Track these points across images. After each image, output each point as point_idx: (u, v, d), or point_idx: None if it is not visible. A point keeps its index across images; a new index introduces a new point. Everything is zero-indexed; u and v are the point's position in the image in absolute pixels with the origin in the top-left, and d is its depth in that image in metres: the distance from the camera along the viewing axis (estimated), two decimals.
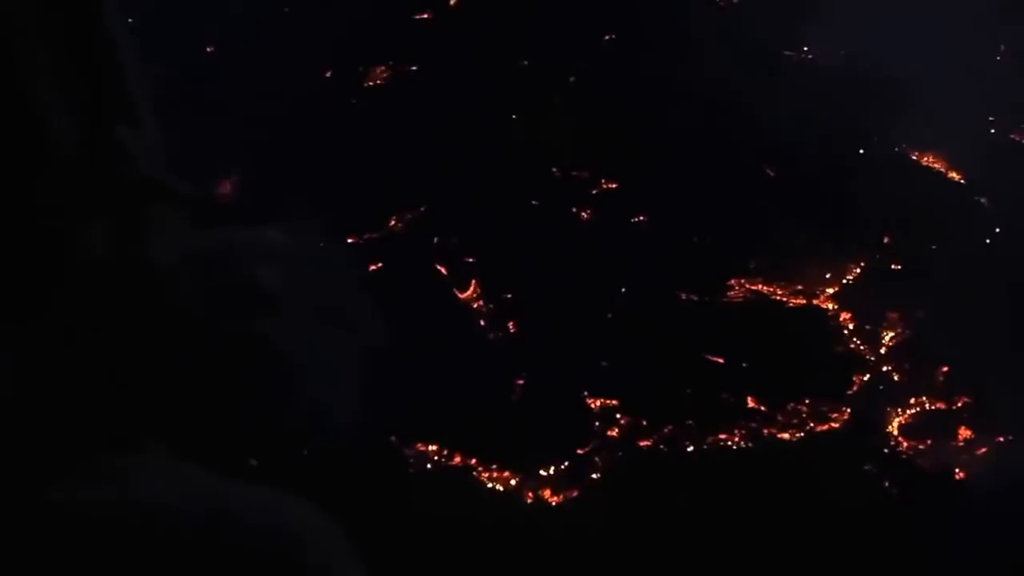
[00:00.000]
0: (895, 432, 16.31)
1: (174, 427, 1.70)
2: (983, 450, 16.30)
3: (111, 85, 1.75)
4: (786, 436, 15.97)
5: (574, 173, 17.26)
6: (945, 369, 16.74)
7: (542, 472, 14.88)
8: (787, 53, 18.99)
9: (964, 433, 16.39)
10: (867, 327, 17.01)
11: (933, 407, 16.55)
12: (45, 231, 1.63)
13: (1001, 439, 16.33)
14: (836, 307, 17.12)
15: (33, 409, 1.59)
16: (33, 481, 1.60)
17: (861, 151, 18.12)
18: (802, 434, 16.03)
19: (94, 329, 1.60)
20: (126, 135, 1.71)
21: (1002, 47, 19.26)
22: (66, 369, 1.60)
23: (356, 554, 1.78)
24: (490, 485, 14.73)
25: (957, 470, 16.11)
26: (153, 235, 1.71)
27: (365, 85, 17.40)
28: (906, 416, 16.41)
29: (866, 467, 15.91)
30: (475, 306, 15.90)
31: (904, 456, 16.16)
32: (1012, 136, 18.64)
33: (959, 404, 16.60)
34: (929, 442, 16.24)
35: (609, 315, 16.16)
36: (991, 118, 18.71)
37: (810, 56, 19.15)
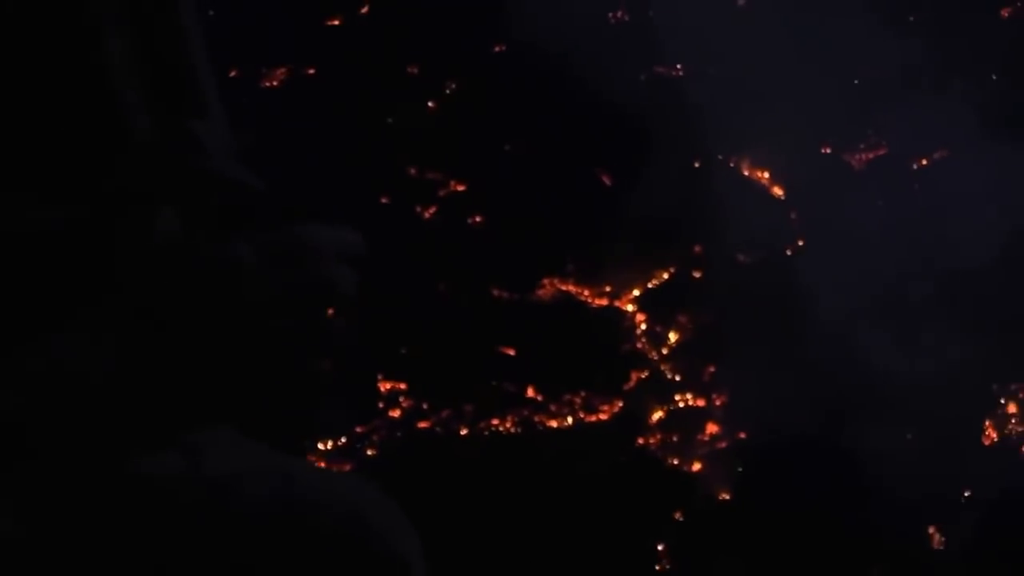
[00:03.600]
0: (653, 425, 19.38)
1: (242, 410, 1.82)
2: (723, 444, 19.28)
3: (184, 77, 1.85)
4: (555, 424, 19.19)
5: (428, 174, 20.37)
6: (712, 369, 19.60)
7: (319, 446, 18.48)
8: (659, 70, 21.44)
9: (712, 428, 19.35)
10: (657, 329, 19.90)
11: (693, 404, 19.50)
12: (120, 213, 1.73)
13: (743, 435, 19.26)
14: (635, 309, 20.02)
15: (112, 384, 1.70)
16: (114, 454, 1.71)
17: (697, 164, 20.64)
18: (570, 423, 19.24)
19: (167, 312, 1.71)
20: (198, 127, 1.80)
21: (856, 81, 21.24)
22: (139, 348, 1.69)
23: (412, 528, 1.92)
24: None
25: (696, 463, 19.18)
26: (225, 226, 1.78)
27: (262, 85, 20.72)
28: (666, 411, 19.42)
29: (619, 456, 19.09)
30: None
31: (653, 447, 19.26)
32: (843, 156, 20.87)
33: (717, 402, 19.51)
34: (676, 437, 19.27)
35: (422, 307, 19.42)
36: (826, 138, 20.93)
37: (682, 73, 21.52)
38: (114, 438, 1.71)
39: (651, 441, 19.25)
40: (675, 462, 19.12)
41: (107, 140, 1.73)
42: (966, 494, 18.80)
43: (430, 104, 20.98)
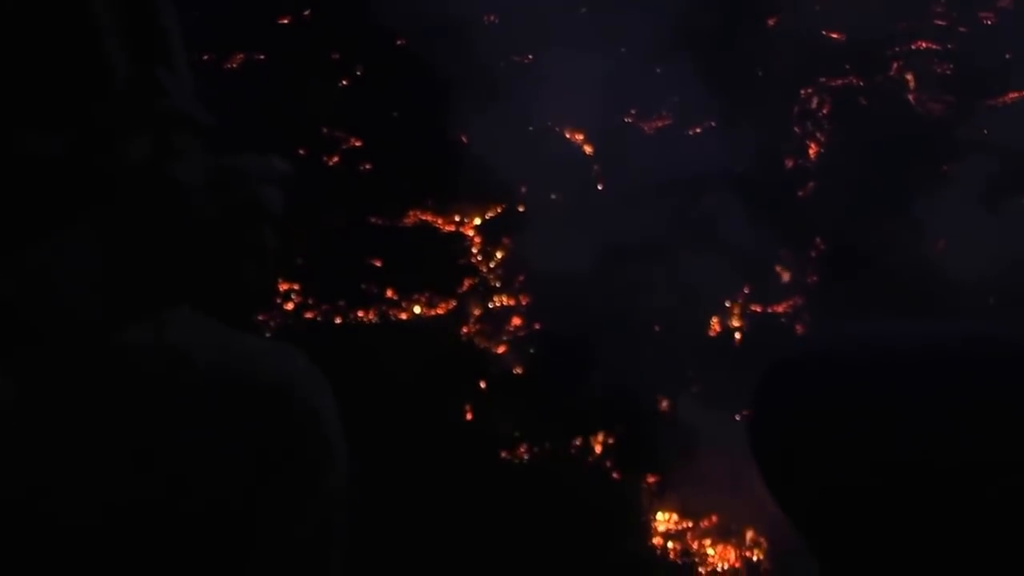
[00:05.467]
0: (475, 318, 27.16)
1: (195, 295, 1.99)
2: (523, 333, 26.94)
3: (157, 38, 2.07)
4: (404, 316, 27.13)
5: (335, 133, 28.42)
6: (521, 278, 27.23)
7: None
8: (515, 58, 28.99)
9: (516, 321, 27.03)
10: (488, 248, 27.66)
11: (506, 304, 27.20)
12: (106, 141, 1.95)
13: (538, 326, 26.90)
14: (473, 234, 27.80)
15: (96, 274, 1.88)
16: (98, 330, 1.92)
17: (531, 128, 28.25)
18: (416, 313, 27.18)
19: (137, 218, 1.91)
20: (163, 75, 2.03)
21: (657, 70, 28.44)
22: (116, 246, 1.89)
23: (328, 388, 2.14)
24: None
25: (501, 346, 26.91)
26: (182, 155, 1.99)
27: (224, 67, 28.94)
28: (485, 308, 27.19)
29: (448, 339, 26.89)
30: None
31: (473, 334, 27.06)
32: (639, 124, 28.24)
33: (523, 302, 27.15)
34: (490, 327, 27.02)
35: (318, 227, 27.42)
36: (630, 110, 28.30)
37: (530, 61, 29.02)
38: (98, 317, 1.93)
39: (472, 330, 26.97)
40: (487, 345, 26.81)
41: (97, 85, 2.01)
42: (690, 373, 26.19)
43: (343, 82, 28.97)
